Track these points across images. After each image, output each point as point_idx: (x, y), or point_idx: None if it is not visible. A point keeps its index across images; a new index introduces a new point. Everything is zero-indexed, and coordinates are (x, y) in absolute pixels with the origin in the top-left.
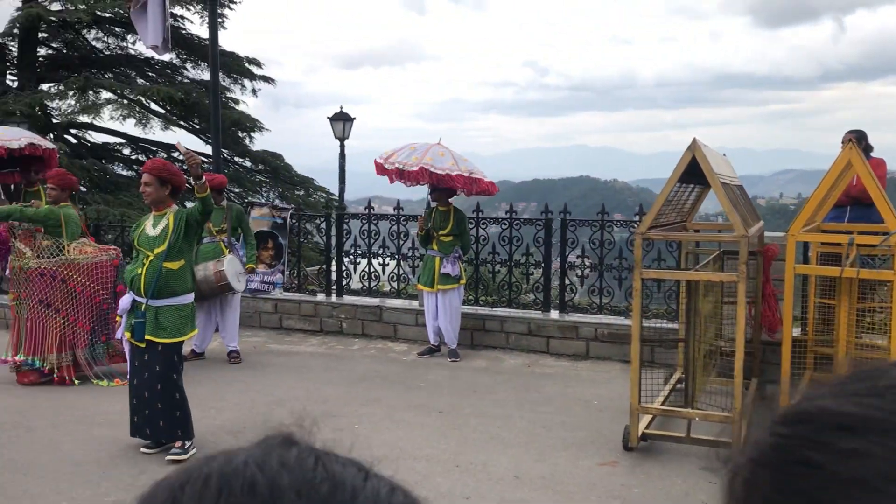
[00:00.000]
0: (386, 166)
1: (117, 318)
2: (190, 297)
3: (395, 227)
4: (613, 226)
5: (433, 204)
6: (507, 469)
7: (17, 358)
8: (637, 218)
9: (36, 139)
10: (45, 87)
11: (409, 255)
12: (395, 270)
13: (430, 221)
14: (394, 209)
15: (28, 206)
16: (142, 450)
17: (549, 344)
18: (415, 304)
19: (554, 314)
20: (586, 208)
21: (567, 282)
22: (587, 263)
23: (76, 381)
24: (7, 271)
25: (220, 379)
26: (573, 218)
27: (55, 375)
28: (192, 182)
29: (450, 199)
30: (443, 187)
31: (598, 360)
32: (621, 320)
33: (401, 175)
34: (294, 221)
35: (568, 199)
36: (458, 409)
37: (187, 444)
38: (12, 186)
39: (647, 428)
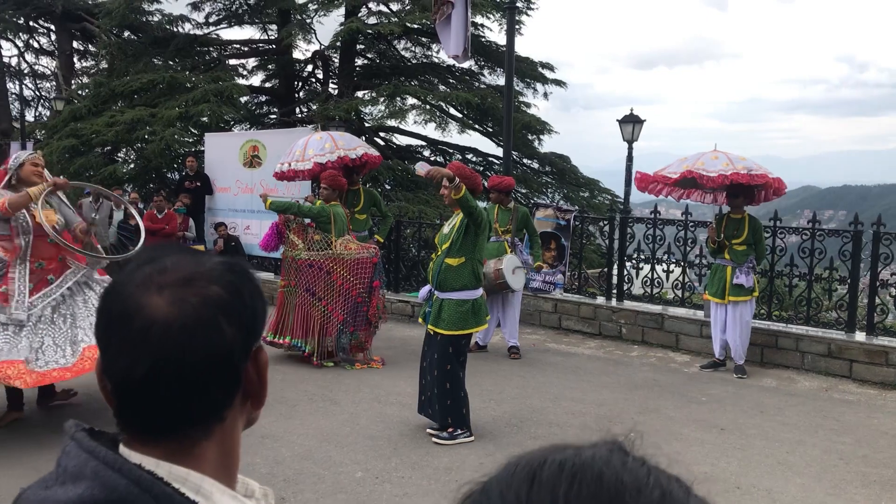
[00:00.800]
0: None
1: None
2: (471, 294)
3: (681, 233)
4: None
5: (725, 210)
6: (795, 498)
7: (285, 340)
8: None
9: (368, 148)
10: (360, 94)
11: (696, 262)
12: (680, 278)
13: (722, 230)
14: (681, 214)
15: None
16: (427, 430)
17: (851, 368)
18: (699, 314)
19: (859, 336)
20: None
21: (877, 301)
22: None
23: (327, 364)
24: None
25: (500, 372)
26: (889, 231)
27: (314, 359)
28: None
29: (744, 207)
30: (734, 191)
31: None
32: None
33: (667, 186)
34: (577, 223)
35: (884, 209)
36: (741, 428)
37: (458, 431)
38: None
39: None
